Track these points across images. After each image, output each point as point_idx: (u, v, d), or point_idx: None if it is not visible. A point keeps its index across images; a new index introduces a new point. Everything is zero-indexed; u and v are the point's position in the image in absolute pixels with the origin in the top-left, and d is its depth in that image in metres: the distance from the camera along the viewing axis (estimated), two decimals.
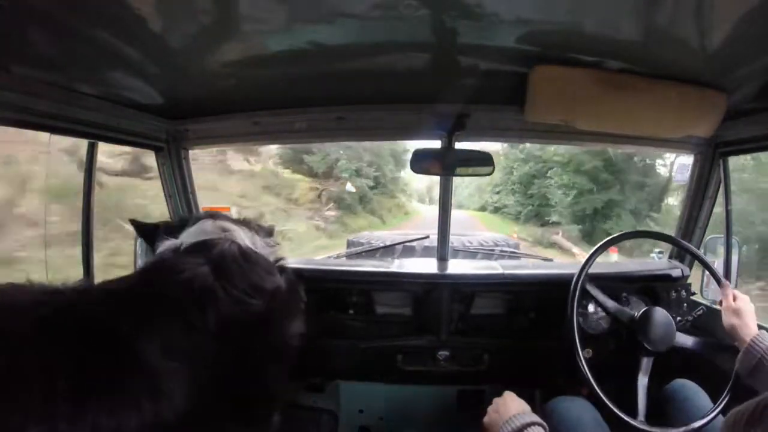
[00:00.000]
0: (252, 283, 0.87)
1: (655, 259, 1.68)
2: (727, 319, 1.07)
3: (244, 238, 0.98)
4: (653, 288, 1.40)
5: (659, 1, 0.77)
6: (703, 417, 1.03)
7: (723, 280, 1.20)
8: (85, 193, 1.38)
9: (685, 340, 1.17)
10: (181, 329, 0.75)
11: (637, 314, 1.17)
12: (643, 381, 1.12)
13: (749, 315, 1.04)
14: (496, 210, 16.55)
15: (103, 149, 1.40)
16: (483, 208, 18.33)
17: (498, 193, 16.61)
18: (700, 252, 1.38)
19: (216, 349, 0.77)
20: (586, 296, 1.27)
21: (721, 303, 1.12)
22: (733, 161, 1.41)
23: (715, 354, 1.20)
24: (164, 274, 0.83)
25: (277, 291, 0.92)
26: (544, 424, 0.80)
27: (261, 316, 0.86)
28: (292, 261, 1.67)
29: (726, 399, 1.04)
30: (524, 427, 0.78)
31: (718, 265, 1.36)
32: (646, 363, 1.14)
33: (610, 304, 1.23)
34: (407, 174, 15.71)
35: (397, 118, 1.42)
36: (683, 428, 1.02)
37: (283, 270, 1.02)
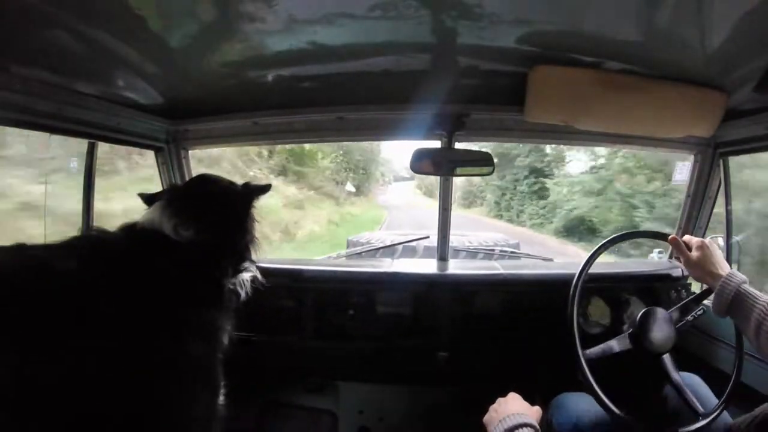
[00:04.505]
0: None
1: (655, 259, 1.68)
2: (693, 273, 1.02)
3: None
4: (653, 288, 1.39)
5: (659, 1, 0.77)
6: (706, 416, 1.02)
7: (668, 236, 1.11)
8: (85, 194, 1.38)
9: (677, 314, 1.13)
10: None
11: (632, 329, 1.12)
12: (677, 378, 1.06)
13: (710, 262, 0.96)
14: None
15: None
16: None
17: None
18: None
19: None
20: (586, 296, 1.26)
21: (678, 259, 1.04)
22: None
23: (706, 297, 1.13)
24: None
25: None
26: (538, 428, 0.80)
27: None
28: (293, 262, 1.68)
29: (728, 398, 1.04)
30: (516, 427, 0.77)
31: None
32: (669, 362, 1.08)
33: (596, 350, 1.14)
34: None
35: (397, 118, 1.42)
36: (685, 427, 1.02)
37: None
